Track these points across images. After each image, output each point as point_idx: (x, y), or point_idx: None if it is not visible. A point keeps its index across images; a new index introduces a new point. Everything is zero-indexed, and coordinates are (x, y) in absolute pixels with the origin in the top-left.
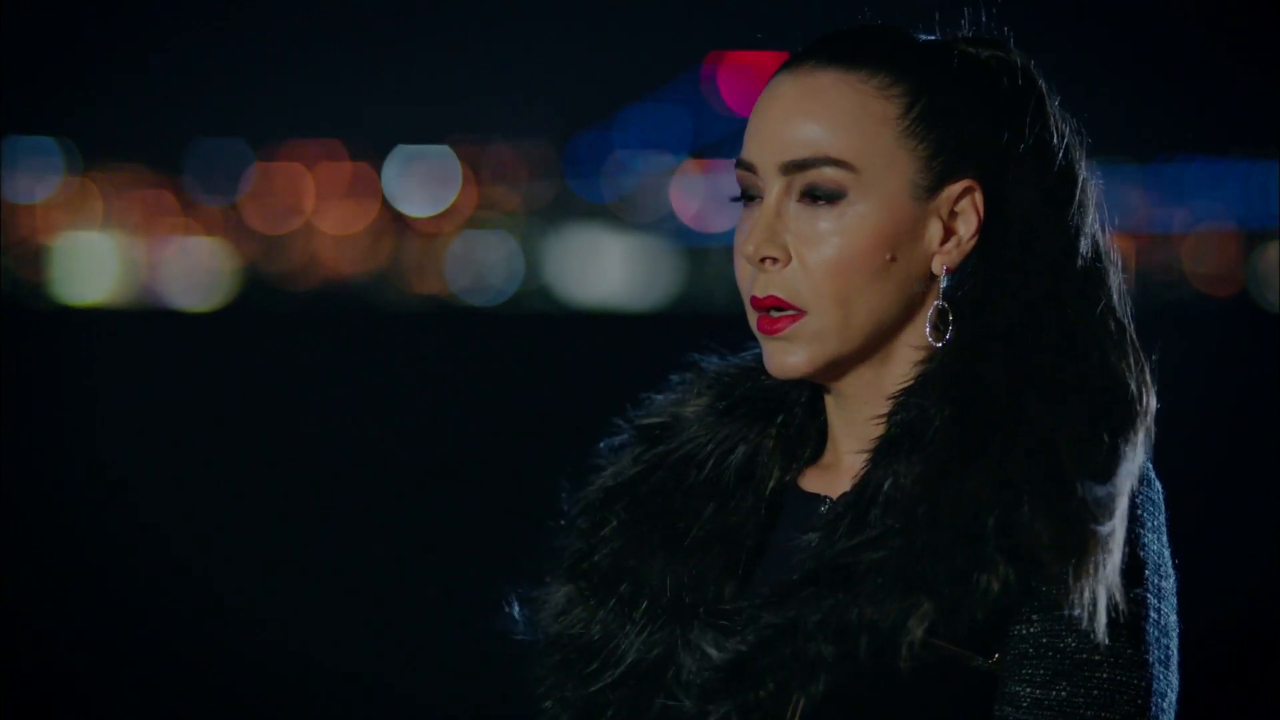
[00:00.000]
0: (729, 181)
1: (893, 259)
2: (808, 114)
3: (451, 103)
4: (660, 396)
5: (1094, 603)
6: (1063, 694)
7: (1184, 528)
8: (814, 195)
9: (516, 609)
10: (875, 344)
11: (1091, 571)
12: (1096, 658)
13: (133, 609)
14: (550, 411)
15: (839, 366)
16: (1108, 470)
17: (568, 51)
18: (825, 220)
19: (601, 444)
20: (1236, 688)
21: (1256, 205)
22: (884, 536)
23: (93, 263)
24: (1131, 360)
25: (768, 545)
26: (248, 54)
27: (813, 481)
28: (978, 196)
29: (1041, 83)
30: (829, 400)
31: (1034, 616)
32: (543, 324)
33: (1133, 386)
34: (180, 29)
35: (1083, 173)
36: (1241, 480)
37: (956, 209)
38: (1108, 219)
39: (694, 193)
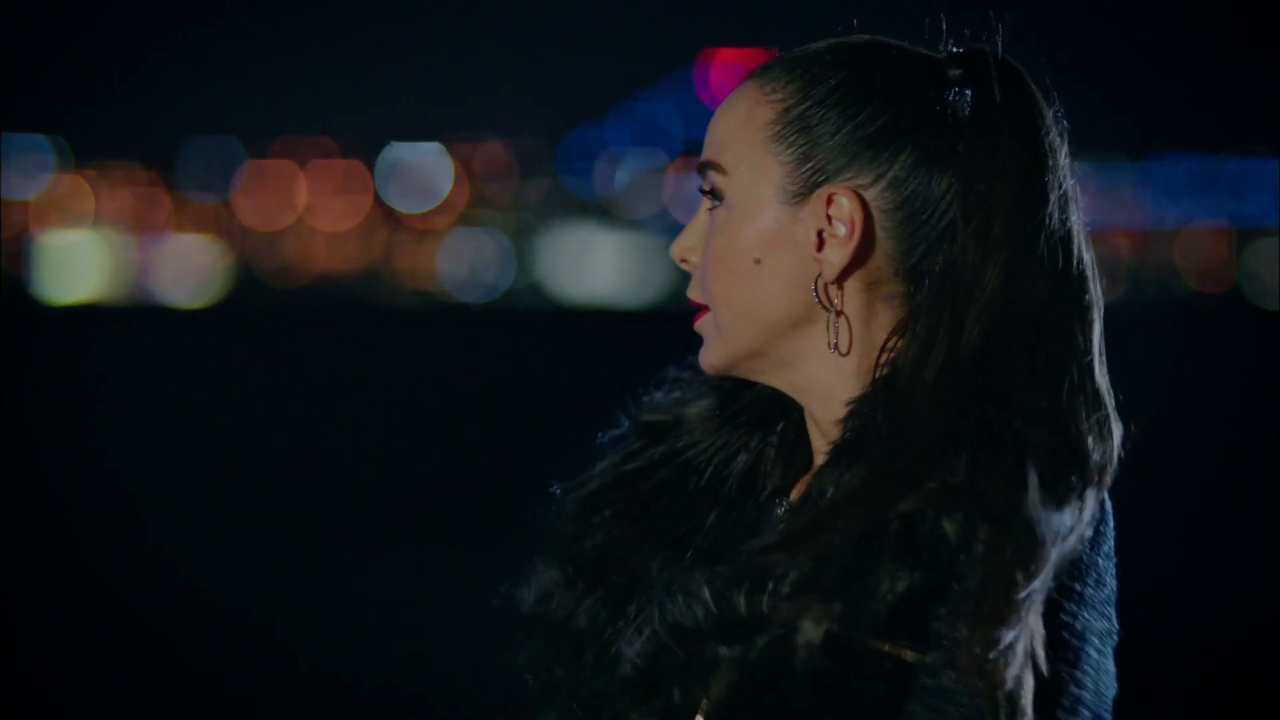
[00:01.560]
0: None
1: (758, 261)
2: (714, 122)
3: (444, 100)
4: (660, 394)
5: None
6: (946, 681)
7: (1177, 523)
8: (709, 200)
9: (505, 593)
10: (774, 344)
11: (994, 592)
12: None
13: (125, 604)
14: (542, 407)
15: (750, 365)
16: (1030, 506)
17: (560, 49)
18: (711, 223)
19: (599, 436)
20: (1232, 683)
21: (1248, 202)
22: (795, 540)
23: (84, 260)
24: (1086, 415)
25: None
26: (240, 52)
27: (799, 489)
28: (853, 204)
29: (1023, 103)
30: (804, 409)
31: (941, 611)
32: (535, 320)
33: (1088, 442)
34: (173, 28)
35: (1053, 198)
36: (1235, 474)
37: (831, 214)
38: (1090, 254)
39: (687, 189)
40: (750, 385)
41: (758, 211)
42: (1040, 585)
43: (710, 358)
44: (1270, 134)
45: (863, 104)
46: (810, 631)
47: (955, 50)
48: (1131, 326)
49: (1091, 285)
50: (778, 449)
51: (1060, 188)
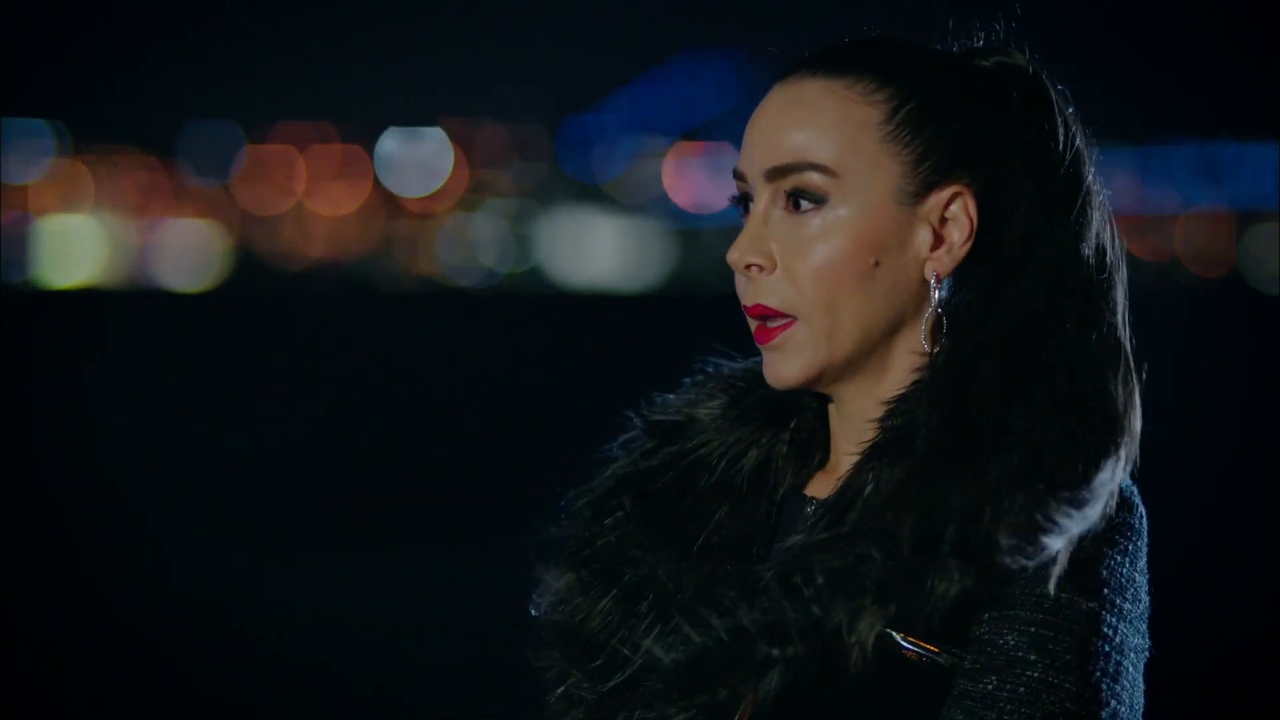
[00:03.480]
0: (722, 163)
1: (877, 264)
2: (791, 121)
3: (443, 85)
4: (673, 396)
5: (1043, 600)
6: (988, 687)
7: (1178, 510)
8: (797, 201)
9: (525, 596)
10: (868, 349)
11: (1044, 578)
12: (1032, 657)
13: (123, 589)
14: (543, 391)
15: (834, 373)
16: (1083, 488)
17: (559, 33)
18: (808, 226)
19: (615, 444)
20: (1233, 681)
21: (1249, 188)
22: (846, 540)
23: (84, 244)
24: (1122, 381)
25: (771, 551)
26: (239, 37)
27: (815, 486)
28: (970, 202)
29: (1052, 92)
30: (830, 406)
31: (985, 617)
32: (534, 305)
33: (1121, 408)
34: (173, 13)
35: (1089, 183)
36: (1235, 460)
37: (947, 215)
38: (1118, 231)
39: (687, 174)
40: (760, 384)
41: (875, 212)
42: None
43: (794, 371)
44: (1271, 119)
45: (960, 104)
46: (863, 633)
47: (973, 46)
48: (1132, 312)
49: (1122, 261)
50: (790, 445)
51: (1092, 171)
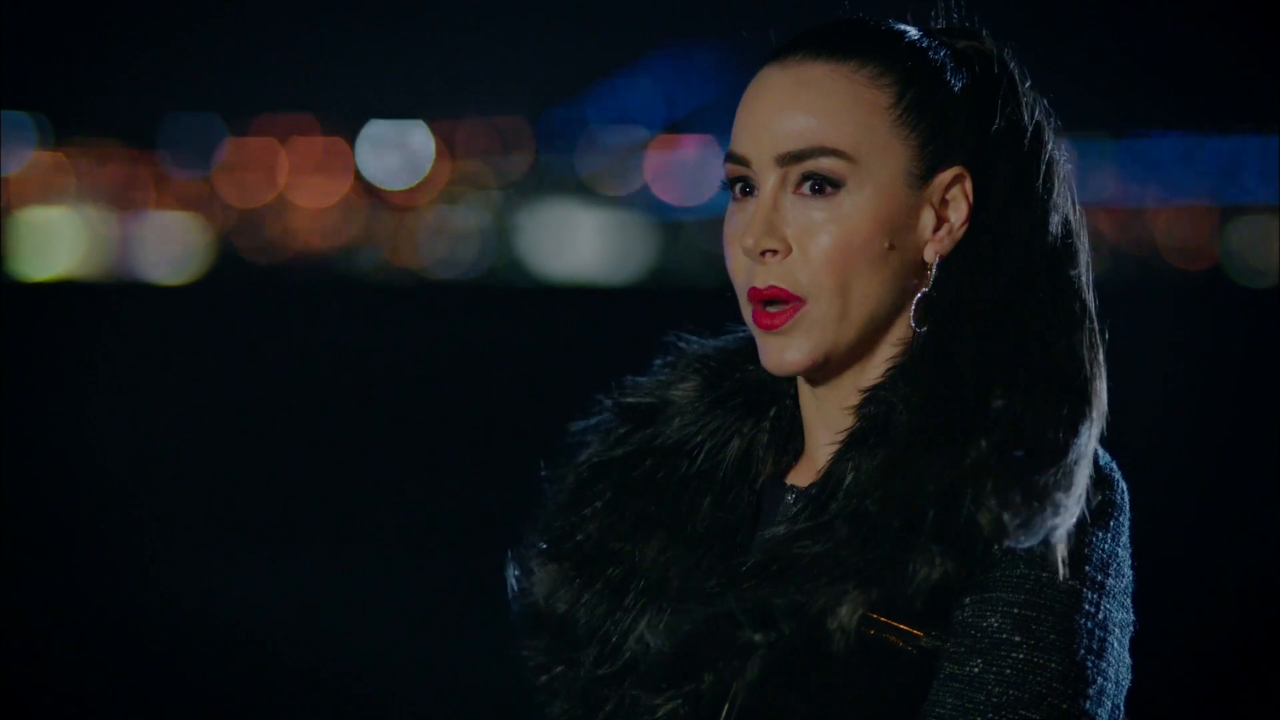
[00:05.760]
0: (703, 155)
1: (890, 247)
2: (802, 105)
3: (425, 77)
4: (644, 378)
5: (1024, 581)
6: (975, 670)
7: (1159, 499)
8: (811, 185)
9: (507, 580)
10: (868, 335)
11: (1029, 555)
12: (1016, 639)
13: (108, 584)
14: (524, 385)
15: (835, 359)
16: (1063, 457)
17: (541, 25)
18: (823, 210)
19: (578, 424)
20: (1225, 679)
21: (1230, 180)
22: (828, 527)
23: (65, 236)
24: (1088, 345)
25: (754, 540)
26: (221, 29)
27: (794, 474)
28: (968, 184)
29: (1013, 68)
30: (804, 392)
31: (966, 600)
32: (516, 298)
33: (1088, 372)
34: (154, 4)
35: (1051, 152)
36: (1214, 451)
37: (948, 196)
38: (1077, 196)
39: (668, 166)
40: (738, 367)
41: (888, 195)
42: (1073, 511)
43: (801, 355)
44: (1253, 111)
45: (954, 86)
46: (845, 617)
47: (934, 26)
48: (1113, 304)
49: (1083, 226)
50: (771, 433)
51: (1052, 140)
